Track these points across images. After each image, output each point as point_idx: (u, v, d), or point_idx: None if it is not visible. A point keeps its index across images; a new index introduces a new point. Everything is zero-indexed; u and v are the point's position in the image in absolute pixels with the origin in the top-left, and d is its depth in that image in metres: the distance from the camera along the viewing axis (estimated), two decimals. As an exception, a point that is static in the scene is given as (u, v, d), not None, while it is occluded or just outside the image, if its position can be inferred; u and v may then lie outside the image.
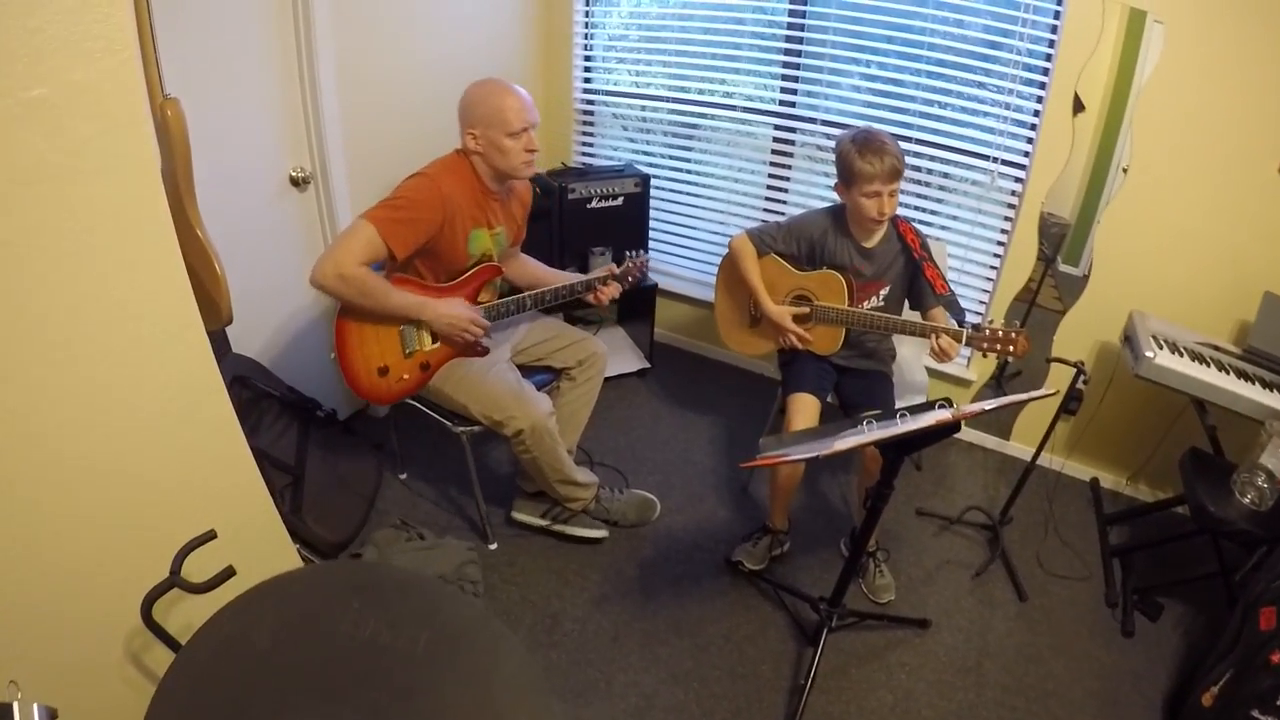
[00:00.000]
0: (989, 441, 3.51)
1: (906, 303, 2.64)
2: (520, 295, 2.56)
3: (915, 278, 2.53)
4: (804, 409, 2.44)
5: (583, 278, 2.66)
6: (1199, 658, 2.41)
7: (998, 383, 3.47)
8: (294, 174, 2.73)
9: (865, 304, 2.55)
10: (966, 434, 3.53)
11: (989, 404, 1.75)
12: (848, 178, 2.41)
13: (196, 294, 1.84)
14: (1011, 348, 2.24)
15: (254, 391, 2.68)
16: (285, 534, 2.16)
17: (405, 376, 2.44)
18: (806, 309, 2.58)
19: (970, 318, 3.26)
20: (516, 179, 2.48)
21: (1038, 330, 3.11)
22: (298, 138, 2.72)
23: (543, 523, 2.76)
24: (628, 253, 2.76)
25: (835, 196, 2.53)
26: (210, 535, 1.72)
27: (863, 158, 2.33)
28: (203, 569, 1.65)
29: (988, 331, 2.27)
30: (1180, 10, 2.57)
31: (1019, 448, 3.41)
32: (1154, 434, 3.01)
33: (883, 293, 2.56)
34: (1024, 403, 1.84)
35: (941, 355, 2.33)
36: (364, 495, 2.80)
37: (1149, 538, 2.95)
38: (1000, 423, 3.46)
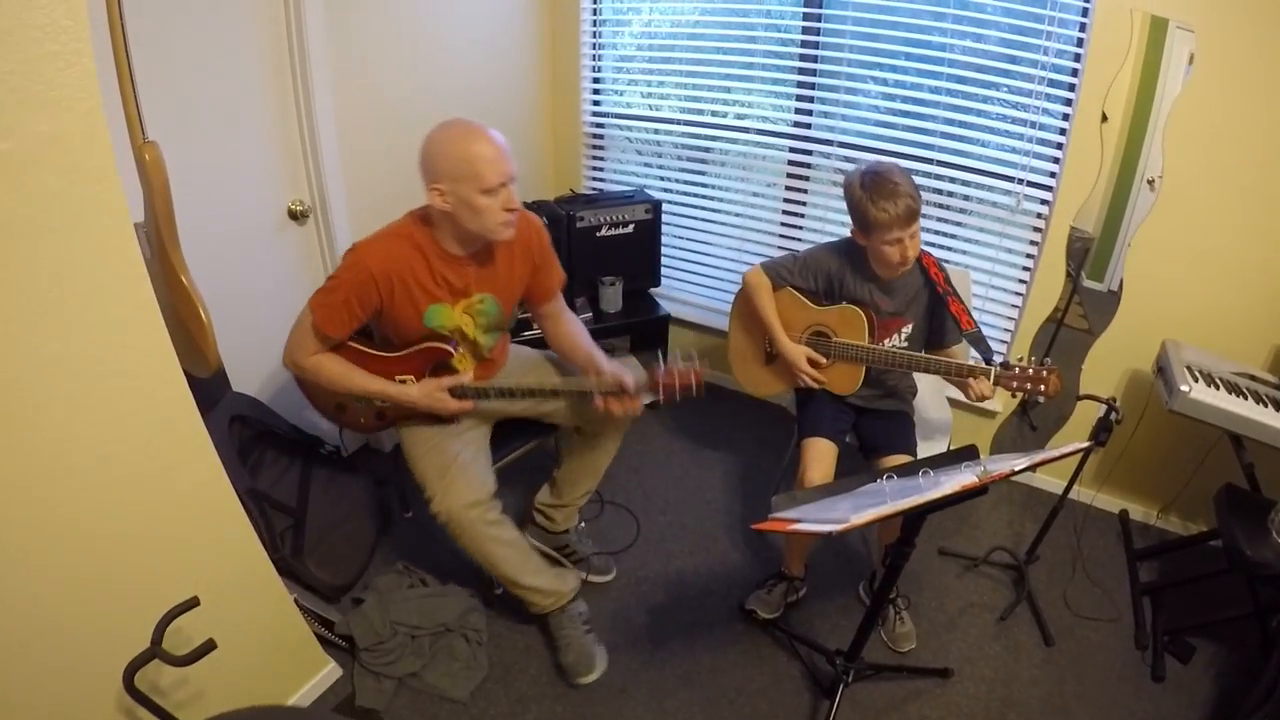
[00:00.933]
0: (1017, 465, 3.34)
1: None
2: (499, 386, 2.25)
3: (938, 312, 2.39)
4: (820, 456, 2.32)
5: (585, 376, 2.23)
6: (1232, 704, 2.33)
7: (1023, 410, 3.36)
8: (293, 207, 2.67)
9: (887, 341, 2.41)
10: (993, 462, 3.39)
11: (1019, 463, 1.63)
12: (863, 225, 2.25)
13: (184, 341, 1.78)
14: (1043, 386, 2.11)
15: (255, 430, 2.62)
16: (280, 590, 2.09)
17: (362, 421, 2.34)
18: (825, 355, 2.46)
19: (995, 347, 3.18)
20: (494, 240, 2.09)
21: (1067, 353, 3.00)
22: (296, 171, 2.65)
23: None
24: (664, 357, 2.10)
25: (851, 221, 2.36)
26: (192, 603, 1.67)
27: (875, 205, 2.17)
28: (199, 627, 1.65)
29: (1017, 370, 2.13)
30: (1210, 18, 2.44)
31: (1046, 479, 3.27)
32: (1188, 465, 2.87)
33: (905, 330, 2.42)
34: (1057, 459, 1.71)
35: (979, 398, 2.21)
36: (368, 535, 2.72)
37: (1180, 574, 2.84)
38: (1027, 443, 3.33)
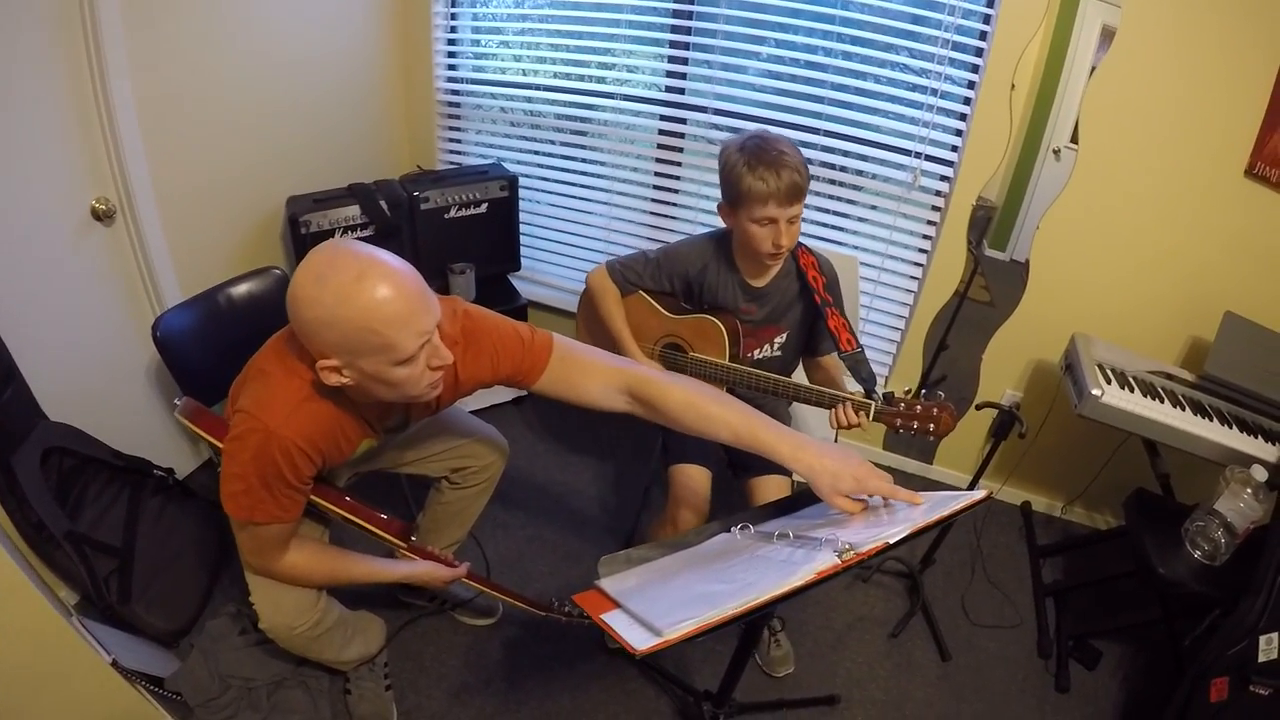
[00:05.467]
0: (910, 465, 3.20)
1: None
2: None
3: (816, 325, 2.11)
4: (692, 489, 2.06)
5: None
6: (1142, 712, 2.29)
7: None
8: (96, 206, 2.32)
9: (756, 353, 2.13)
10: (883, 459, 3.21)
11: (895, 533, 1.25)
12: (734, 197, 1.89)
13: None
14: (932, 425, 1.81)
15: (76, 460, 2.33)
16: (90, 658, 1.86)
17: None
18: (679, 372, 2.14)
19: (885, 344, 2.99)
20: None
21: (969, 329, 2.80)
22: (97, 164, 2.30)
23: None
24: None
25: None
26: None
27: (754, 173, 1.81)
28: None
29: (902, 406, 1.84)
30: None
31: (944, 472, 3.11)
32: (1097, 458, 2.73)
33: (778, 340, 2.13)
34: (947, 519, 1.41)
35: (845, 423, 1.89)
36: (205, 567, 2.47)
37: (1086, 573, 2.73)
38: (922, 443, 3.14)
